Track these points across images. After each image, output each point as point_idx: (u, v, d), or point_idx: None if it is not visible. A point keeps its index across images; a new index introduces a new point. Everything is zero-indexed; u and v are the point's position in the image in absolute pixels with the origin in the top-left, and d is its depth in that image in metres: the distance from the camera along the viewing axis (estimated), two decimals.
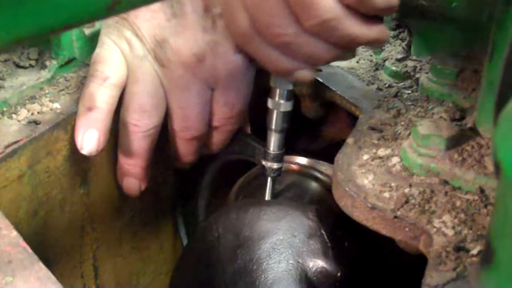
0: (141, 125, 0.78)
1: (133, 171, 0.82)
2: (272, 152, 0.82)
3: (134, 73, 0.78)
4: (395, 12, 0.76)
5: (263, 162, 0.83)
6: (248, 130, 0.90)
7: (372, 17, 0.68)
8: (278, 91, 0.79)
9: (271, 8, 0.66)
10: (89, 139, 0.73)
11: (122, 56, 0.77)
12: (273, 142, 0.82)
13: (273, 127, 0.81)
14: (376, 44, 0.71)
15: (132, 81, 0.78)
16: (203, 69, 0.77)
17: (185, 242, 1.02)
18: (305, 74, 0.72)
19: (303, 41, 0.68)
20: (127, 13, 0.77)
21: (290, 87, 0.79)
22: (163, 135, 0.82)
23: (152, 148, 0.81)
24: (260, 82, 0.82)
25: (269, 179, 0.84)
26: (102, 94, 0.75)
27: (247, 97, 0.83)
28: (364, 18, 0.67)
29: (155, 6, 0.76)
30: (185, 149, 0.84)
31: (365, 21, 0.67)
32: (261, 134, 0.84)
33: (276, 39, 0.68)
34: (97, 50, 0.78)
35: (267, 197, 0.84)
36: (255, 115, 0.87)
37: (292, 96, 0.80)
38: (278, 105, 0.79)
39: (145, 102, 0.78)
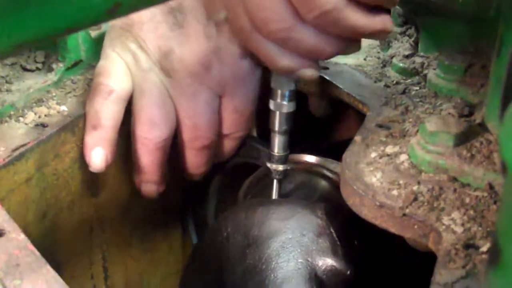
0: (151, 138, 0.78)
1: (149, 179, 0.82)
2: (276, 154, 0.81)
3: (140, 86, 0.77)
4: (398, 4, 0.75)
5: (268, 165, 0.82)
6: (253, 132, 0.89)
7: (376, 7, 0.66)
8: (279, 92, 0.77)
9: (267, 2, 0.65)
10: (96, 157, 0.74)
11: (127, 69, 0.77)
12: (277, 144, 0.80)
13: (276, 128, 0.79)
14: (380, 35, 0.69)
15: (139, 95, 0.77)
16: (210, 77, 0.76)
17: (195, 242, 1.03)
18: (309, 72, 0.71)
19: (303, 35, 0.66)
20: (131, 25, 0.76)
21: (292, 87, 0.77)
22: (173, 144, 0.82)
23: (165, 159, 0.81)
24: (265, 83, 0.82)
25: (274, 181, 0.83)
26: (106, 111, 0.75)
27: (255, 102, 0.82)
28: (367, 9, 0.65)
29: (158, 17, 0.75)
30: (196, 160, 0.83)
31: (367, 11, 0.65)
32: (267, 135, 0.84)
33: (273, 35, 0.67)
34: (101, 63, 0.77)
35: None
36: (260, 116, 0.87)
37: (295, 96, 0.78)
38: (281, 106, 0.77)
39: (154, 115, 0.77)
